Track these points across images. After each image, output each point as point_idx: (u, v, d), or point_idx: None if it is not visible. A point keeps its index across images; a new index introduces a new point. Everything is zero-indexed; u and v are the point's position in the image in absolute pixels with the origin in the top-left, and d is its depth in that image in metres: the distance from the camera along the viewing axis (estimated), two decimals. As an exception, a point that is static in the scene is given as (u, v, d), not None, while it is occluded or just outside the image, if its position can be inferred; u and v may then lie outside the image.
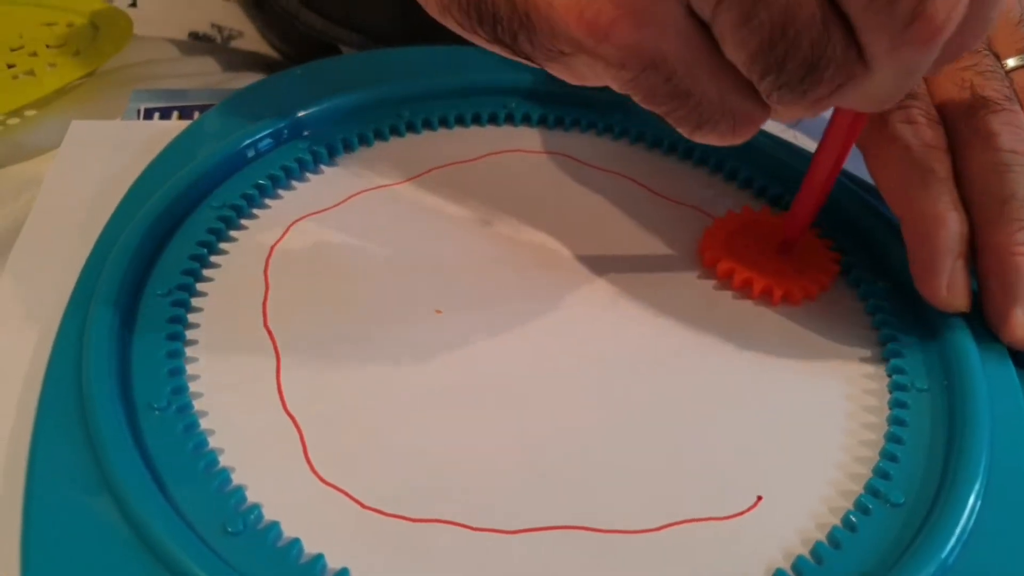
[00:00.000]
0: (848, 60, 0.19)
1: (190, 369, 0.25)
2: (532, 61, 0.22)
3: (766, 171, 0.33)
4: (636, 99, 0.21)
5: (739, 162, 0.34)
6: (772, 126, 0.36)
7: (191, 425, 0.23)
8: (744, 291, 0.29)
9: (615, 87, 0.21)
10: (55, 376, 0.24)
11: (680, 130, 0.22)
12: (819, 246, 0.30)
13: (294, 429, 0.24)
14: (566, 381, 0.26)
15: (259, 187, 0.31)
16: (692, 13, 0.19)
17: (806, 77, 0.19)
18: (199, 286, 0.27)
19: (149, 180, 0.30)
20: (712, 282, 0.29)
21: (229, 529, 0.21)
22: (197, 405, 0.24)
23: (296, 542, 0.21)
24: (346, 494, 0.22)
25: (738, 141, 0.22)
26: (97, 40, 0.42)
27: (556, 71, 0.22)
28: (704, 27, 0.20)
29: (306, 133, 0.33)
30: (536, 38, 0.21)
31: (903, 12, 0.18)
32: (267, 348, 0.26)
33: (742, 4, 0.19)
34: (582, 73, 0.22)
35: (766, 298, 0.29)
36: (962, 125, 0.28)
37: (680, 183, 0.33)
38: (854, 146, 0.27)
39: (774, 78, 0.20)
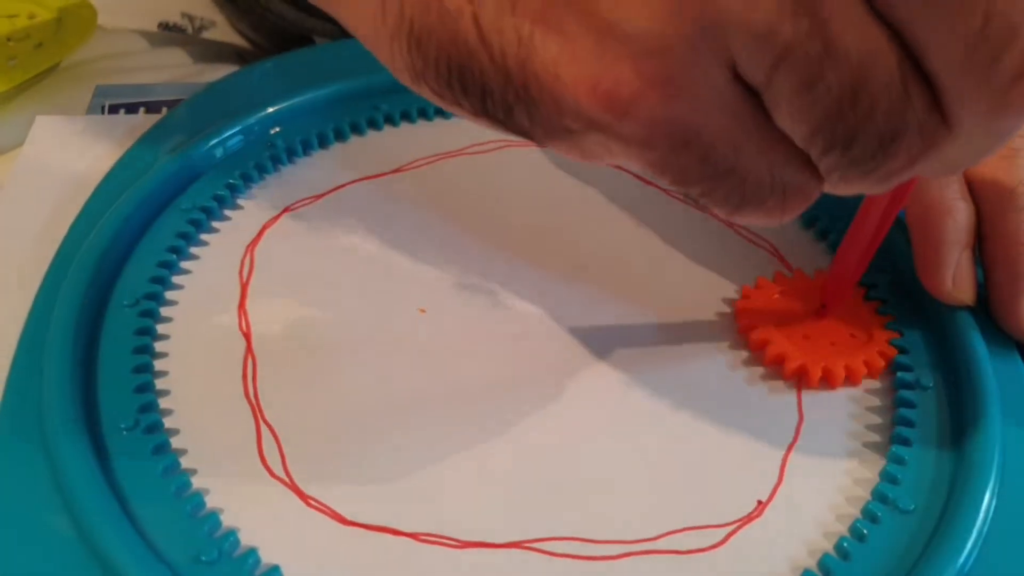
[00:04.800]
0: (929, 128, 0.16)
1: (159, 384, 0.24)
2: (530, 138, 0.18)
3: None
4: (663, 181, 0.18)
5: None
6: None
7: (161, 446, 0.22)
8: (776, 369, 0.26)
9: (636, 168, 0.18)
10: (13, 394, 0.22)
11: (717, 211, 0.18)
12: (868, 315, 0.27)
13: (273, 443, 0.23)
14: (557, 384, 0.25)
15: (231, 187, 0.29)
16: (737, 78, 0.16)
17: (879, 152, 0.16)
18: (168, 294, 0.26)
19: (115, 181, 0.29)
20: (708, 275, 0.28)
21: (203, 558, 0.20)
22: (167, 423, 0.23)
23: (275, 570, 0.20)
24: (327, 510, 0.21)
25: (787, 218, 0.18)
26: (60, 32, 0.40)
27: (560, 150, 0.18)
28: (751, 93, 0.16)
29: (278, 129, 0.31)
30: (537, 113, 0.17)
31: (1007, 70, 0.14)
32: (243, 358, 0.24)
33: (805, 66, 0.15)
34: (594, 152, 0.18)
35: (801, 379, 0.25)
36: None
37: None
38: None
39: (839, 154, 0.16)
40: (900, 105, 0.15)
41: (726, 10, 0.15)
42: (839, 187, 0.17)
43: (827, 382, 0.25)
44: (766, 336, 0.26)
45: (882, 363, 0.25)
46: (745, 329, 0.26)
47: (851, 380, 0.25)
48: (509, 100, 0.17)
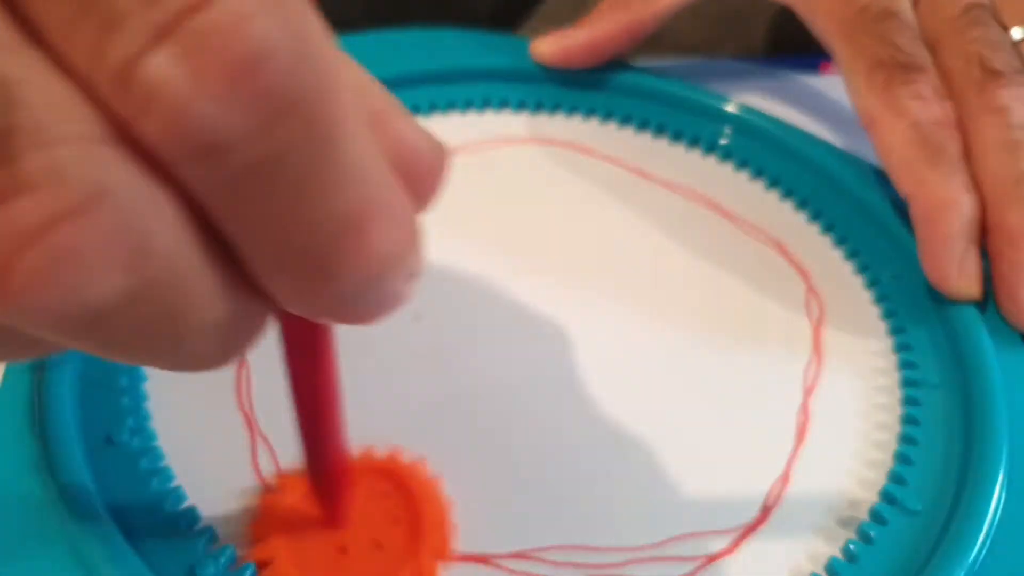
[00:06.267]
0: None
1: (153, 397, 0.23)
2: None
3: (755, 147, 0.32)
4: None
5: (734, 143, 0.32)
6: (779, 110, 0.35)
7: (155, 459, 0.22)
8: None
9: None
10: (6, 406, 0.22)
11: None
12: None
13: (268, 454, 0.22)
14: (557, 388, 0.24)
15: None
16: None
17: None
18: (161, 300, 0.26)
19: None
20: (710, 272, 0.28)
21: (198, 573, 0.19)
22: (161, 436, 0.22)
23: (272, 585, 0.20)
24: (327, 524, 0.21)
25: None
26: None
27: None
28: None
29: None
30: None
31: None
32: (236, 367, 0.24)
33: None
34: None
35: None
36: (971, 100, 0.26)
37: (674, 165, 0.32)
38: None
39: None
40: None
41: None
42: None
43: None
44: (271, 553, 0.19)
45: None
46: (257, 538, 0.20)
47: None
48: None
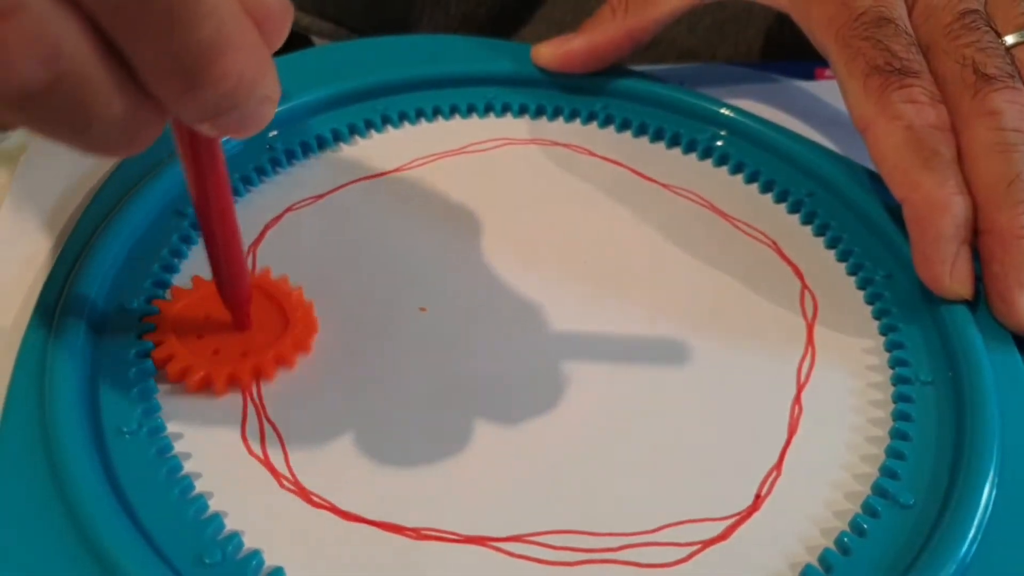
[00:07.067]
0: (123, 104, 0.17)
1: (162, 388, 0.24)
2: None
3: (749, 150, 0.32)
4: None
5: (730, 147, 0.33)
6: (768, 111, 0.35)
7: (164, 449, 0.22)
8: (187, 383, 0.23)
9: None
10: (16, 398, 0.22)
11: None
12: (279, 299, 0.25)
13: (276, 441, 0.23)
14: (555, 380, 0.25)
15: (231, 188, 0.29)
16: None
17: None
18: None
19: (116, 184, 0.29)
20: (706, 270, 0.28)
21: (206, 560, 0.20)
22: (170, 427, 0.23)
23: (279, 571, 0.20)
24: (330, 506, 0.22)
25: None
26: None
27: None
28: None
29: (276, 133, 0.31)
30: None
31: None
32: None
33: None
34: None
35: (210, 389, 0.24)
36: (964, 104, 0.27)
37: (672, 168, 0.32)
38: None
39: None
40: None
41: None
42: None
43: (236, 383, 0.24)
44: (169, 351, 0.24)
45: (273, 367, 0.24)
46: (157, 342, 0.24)
47: (242, 384, 0.24)
48: None
